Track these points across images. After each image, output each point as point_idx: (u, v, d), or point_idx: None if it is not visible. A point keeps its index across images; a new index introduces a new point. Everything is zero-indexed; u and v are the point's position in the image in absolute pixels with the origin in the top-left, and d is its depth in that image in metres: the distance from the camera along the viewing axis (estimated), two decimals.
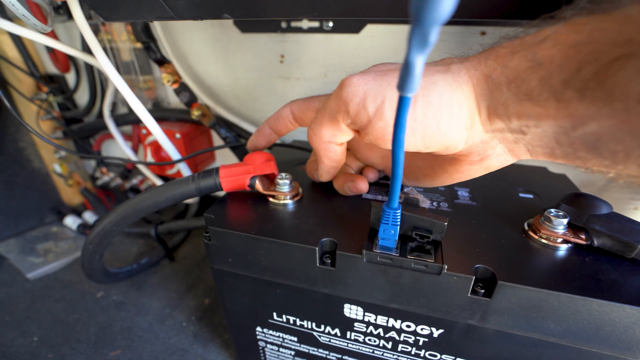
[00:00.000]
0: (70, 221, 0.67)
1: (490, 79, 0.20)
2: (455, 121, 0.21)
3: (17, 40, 0.55)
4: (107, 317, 0.48)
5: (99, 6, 0.26)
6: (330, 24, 0.44)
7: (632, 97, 0.15)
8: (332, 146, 0.27)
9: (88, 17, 0.41)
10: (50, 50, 0.55)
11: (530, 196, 0.33)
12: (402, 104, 0.16)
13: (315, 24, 0.44)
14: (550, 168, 0.40)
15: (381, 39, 0.43)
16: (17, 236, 0.65)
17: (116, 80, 0.38)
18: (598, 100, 0.16)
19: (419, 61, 0.14)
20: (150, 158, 0.56)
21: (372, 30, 0.43)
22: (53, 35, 0.53)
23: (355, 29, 0.43)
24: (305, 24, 0.45)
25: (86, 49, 0.50)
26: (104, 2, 0.25)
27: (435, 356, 0.28)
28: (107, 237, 0.34)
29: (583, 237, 0.25)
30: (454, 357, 0.27)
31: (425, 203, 0.30)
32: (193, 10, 0.24)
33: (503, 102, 0.20)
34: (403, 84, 0.15)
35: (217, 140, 0.61)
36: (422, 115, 0.21)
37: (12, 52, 0.56)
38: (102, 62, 0.37)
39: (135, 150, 0.62)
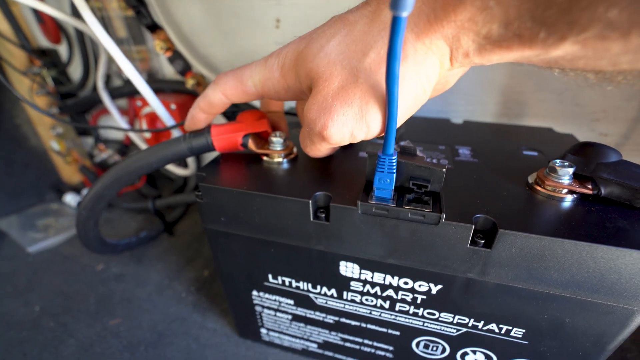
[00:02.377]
0: (70, 198, 0.67)
1: (447, 37, 0.19)
2: (428, 87, 0.21)
3: (6, 10, 0.53)
4: (106, 289, 0.48)
5: None
6: None
7: (600, 22, 0.14)
8: (329, 152, 0.27)
9: None
10: (41, 21, 0.54)
11: (535, 153, 0.32)
12: (396, 26, 0.15)
13: None
14: (557, 128, 0.39)
15: None
16: (17, 213, 0.65)
17: (107, 43, 0.37)
18: (562, 30, 0.15)
19: None
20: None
21: None
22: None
23: None
24: None
25: (76, 15, 0.49)
26: None
27: (434, 314, 0.27)
28: (100, 201, 0.33)
29: (589, 187, 0.23)
30: (453, 315, 0.26)
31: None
32: None
33: (463, 51, 0.19)
34: (397, 1, 0.13)
35: None
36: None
37: (2, 24, 0.55)
38: (93, 26, 0.36)
39: (131, 124, 0.61)
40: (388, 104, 0.19)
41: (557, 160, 0.24)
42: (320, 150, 0.26)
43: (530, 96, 0.45)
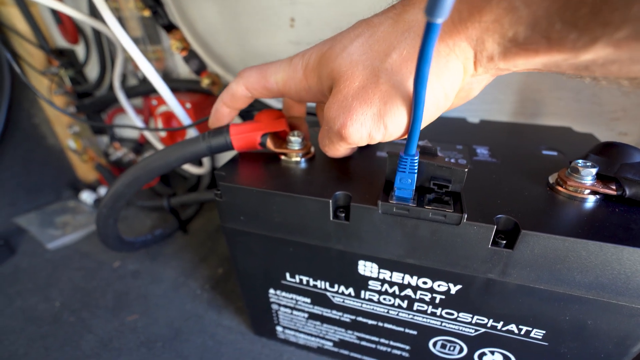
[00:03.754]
0: (86, 196, 0.69)
1: (472, 39, 0.18)
2: (451, 92, 0.21)
3: (26, 12, 0.54)
4: (123, 285, 0.49)
5: None
6: None
7: (634, 22, 0.13)
8: (347, 152, 0.27)
9: None
10: (59, 22, 0.55)
11: (555, 153, 0.31)
12: (429, 32, 0.15)
13: None
14: (575, 128, 0.38)
15: None
16: (36, 210, 0.66)
17: (127, 44, 0.37)
18: (593, 30, 0.14)
19: None
20: None
21: None
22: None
23: None
24: None
25: (93, 15, 0.50)
26: None
27: (452, 314, 0.27)
28: (120, 199, 0.34)
29: (613, 187, 0.23)
30: (471, 315, 0.26)
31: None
32: None
33: (487, 55, 0.18)
34: (433, 7, 0.13)
35: None
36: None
37: (22, 25, 0.56)
38: (113, 26, 0.36)
39: (146, 123, 0.62)
40: (414, 106, 0.19)
41: (580, 161, 0.24)
42: (338, 150, 0.26)
43: (547, 95, 0.44)
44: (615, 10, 0.13)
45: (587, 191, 0.24)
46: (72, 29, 0.55)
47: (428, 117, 0.21)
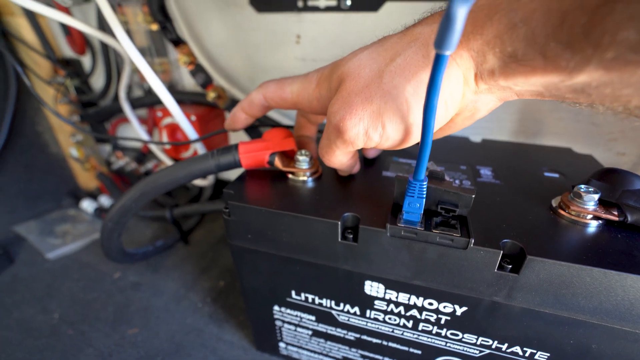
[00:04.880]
0: (87, 205, 0.68)
1: (473, 50, 0.19)
2: (451, 103, 0.21)
3: (34, 23, 0.55)
4: (124, 297, 0.49)
5: None
6: (348, 2, 0.43)
7: (622, 44, 0.14)
8: (345, 159, 0.27)
9: None
10: (67, 33, 0.55)
11: (556, 175, 0.32)
12: (438, 63, 0.16)
13: (333, 2, 0.43)
14: (575, 149, 0.39)
15: (400, 16, 0.42)
16: (36, 218, 0.66)
17: (135, 57, 0.38)
18: (585, 50, 0.15)
19: (461, 14, 0.13)
20: (166, 140, 0.56)
21: (391, 8, 0.42)
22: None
23: (374, 6, 0.42)
24: (322, 2, 0.44)
25: (102, 29, 0.50)
26: None
27: (457, 335, 0.27)
28: (126, 214, 0.34)
29: (615, 213, 0.24)
30: (476, 337, 0.27)
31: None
32: None
33: (488, 68, 0.19)
34: (442, 40, 0.14)
35: None
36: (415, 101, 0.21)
37: (30, 36, 0.56)
38: (123, 40, 0.37)
39: (150, 133, 0.63)
40: (423, 132, 0.19)
41: (582, 186, 0.25)
42: (335, 153, 0.26)
43: (547, 115, 0.45)
44: (605, 33, 0.14)
45: (590, 216, 0.24)
46: (80, 40, 0.56)
47: None
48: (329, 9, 0.44)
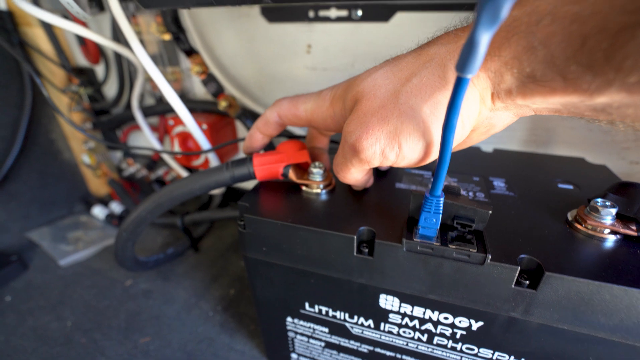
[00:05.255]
0: (98, 211, 0.69)
1: (490, 71, 0.19)
2: (467, 122, 0.21)
3: (50, 33, 0.56)
4: (136, 305, 0.49)
5: None
6: (359, 12, 0.43)
7: None
8: (359, 176, 0.27)
9: None
10: (82, 43, 0.56)
11: (570, 187, 0.32)
12: (459, 86, 0.16)
13: (344, 13, 0.44)
14: (588, 158, 0.39)
15: (411, 27, 0.42)
16: (48, 224, 0.67)
17: (151, 70, 0.39)
18: (607, 74, 0.15)
19: (485, 39, 0.13)
20: (177, 149, 0.56)
21: (401, 19, 0.42)
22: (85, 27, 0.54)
23: (385, 17, 0.42)
24: (333, 13, 0.44)
25: (116, 40, 0.51)
26: None
27: (473, 350, 0.27)
28: (141, 224, 0.35)
29: (634, 228, 0.23)
30: (492, 351, 0.26)
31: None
32: None
33: (505, 88, 0.19)
34: (464, 64, 0.14)
35: (242, 131, 0.61)
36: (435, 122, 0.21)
37: (45, 45, 0.58)
38: (138, 52, 0.38)
39: (161, 141, 0.63)
40: (441, 150, 0.19)
41: (599, 200, 0.25)
42: (349, 169, 0.26)
43: (559, 123, 0.45)
44: (627, 57, 0.14)
45: (607, 231, 0.24)
46: (94, 50, 0.57)
47: None
48: (340, 19, 0.44)
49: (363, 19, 0.43)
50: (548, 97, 0.18)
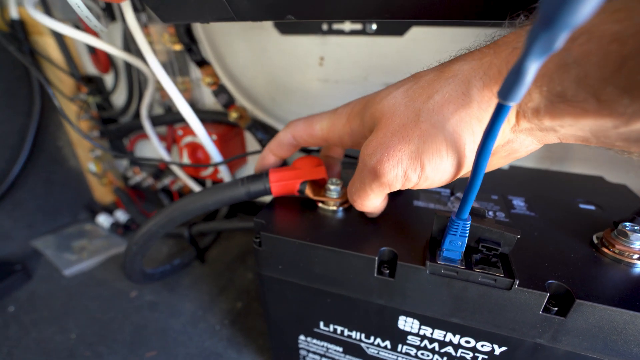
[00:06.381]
0: (103, 219, 0.69)
1: None
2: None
3: (61, 42, 0.56)
4: (141, 318, 0.48)
5: (160, 7, 0.26)
6: (374, 26, 0.43)
7: None
8: (378, 203, 0.26)
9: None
10: (92, 52, 0.56)
11: (592, 207, 0.31)
12: (499, 113, 0.15)
13: (358, 27, 0.44)
14: (606, 176, 0.38)
15: (426, 42, 0.42)
16: (53, 233, 0.66)
17: (164, 81, 0.38)
18: None
19: (533, 68, 0.12)
20: (186, 159, 0.56)
21: (417, 33, 0.42)
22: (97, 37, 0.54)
23: (400, 31, 0.42)
24: (347, 26, 0.44)
25: (127, 50, 0.51)
26: (166, 3, 0.25)
27: None
28: (152, 238, 0.34)
29: None
30: None
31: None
32: (256, 11, 0.24)
33: (533, 107, 0.18)
34: (508, 91, 0.14)
35: (250, 142, 0.61)
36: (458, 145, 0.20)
37: (55, 54, 0.58)
38: (152, 63, 0.37)
39: (169, 150, 0.63)
40: (473, 175, 0.19)
41: (627, 224, 0.24)
42: (369, 196, 0.25)
43: None
44: None
45: (636, 256, 0.23)
46: (104, 59, 0.57)
47: (467, 165, 0.21)
48: (354, 32, 0.44)
49: (377, 32, 0.43)
50: (579, 119, 0.17)
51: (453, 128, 0.20)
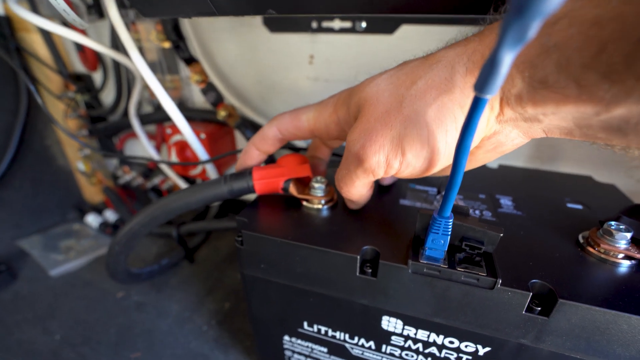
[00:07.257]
0: (91, 219, 0.68)
1: None
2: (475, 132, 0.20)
3: (48, 39, 0.55)
4: (127, 318, 0.47)
5: (140, 2, 0.25)
6: (364, 24, 0.42)
7: None
8: (364, 191, 0.26)
9: None
10: (80, 49, 0.56)
11: (579, 207, 0.31)
12: (477, 106, 0.15)
13: (348, 24, 0.43)
14: (595, 176, 0.38)
15: (415, 40, 0.42)
16: (40, 233, 0.65)
17: (149, 78, 0.38)
18: (626, 82, 0.14)
19: (508, 59, 0.12)
20: (174, 158, 0.55)
21: (406, 31, 0.42)
22: (84, 34, 0.53)
23: (389, 29, 0.42)
24: (337, 24, 0.44)
25: (115, 47, 0.50)
26: None
27: None
28: (134, 238, 0.33)
29: None
30: None
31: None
32: (237, 5, 0.23)
33: (516, 93, 0.18)
34: (484, 83, 0.13)
35: (241, 141, 0.60)
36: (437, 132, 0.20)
37: (43, 51, 0.57)
38: (136, 60, 0.37)
39: (158, 149, 0.62)
40: (453, 171, 0.18)
41: (613, 223, 0.24)
42: (355, 183, 0.25)
43: (564, 140, 0.44)
44: None
45: (621, 255, 0.23)
46: (92, 57, 0.56)
47: (449, 152, 0.21)
48: (343, 30, 0.44)
49: (367, 30, 0.43)
50: (561, 106, 0.17)
51: (435, 114, 0.20)
